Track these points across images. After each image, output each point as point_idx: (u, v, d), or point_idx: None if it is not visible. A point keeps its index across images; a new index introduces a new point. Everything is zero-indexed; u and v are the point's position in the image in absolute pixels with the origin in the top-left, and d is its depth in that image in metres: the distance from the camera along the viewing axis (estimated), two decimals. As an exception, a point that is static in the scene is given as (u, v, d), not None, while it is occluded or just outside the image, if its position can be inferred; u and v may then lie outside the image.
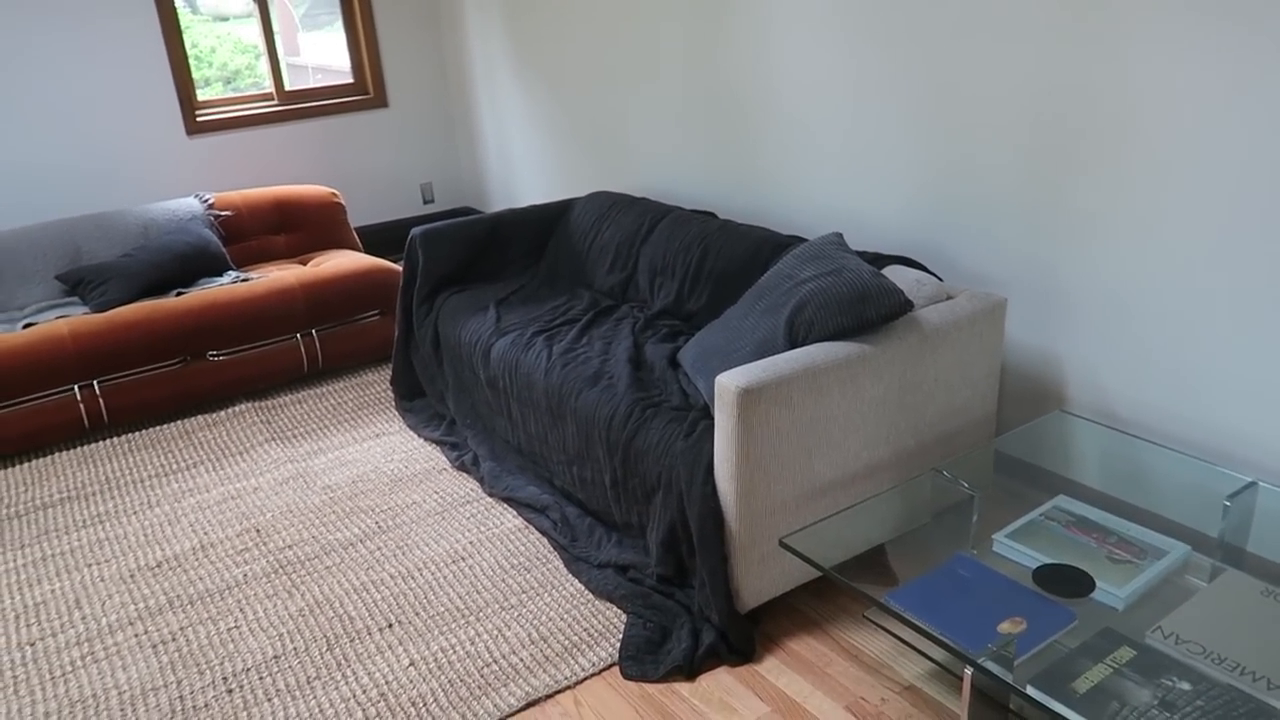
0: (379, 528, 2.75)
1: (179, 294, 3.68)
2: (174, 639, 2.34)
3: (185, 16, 4.60)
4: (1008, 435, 2.40)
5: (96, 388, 3.37)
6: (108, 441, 3.40)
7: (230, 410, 3.59)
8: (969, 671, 1.76)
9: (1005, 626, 1.77)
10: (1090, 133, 2.29)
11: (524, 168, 4.81)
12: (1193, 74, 2.06)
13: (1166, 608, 1.79)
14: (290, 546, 2.69)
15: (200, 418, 3.55)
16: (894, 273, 2.52)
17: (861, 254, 2.67)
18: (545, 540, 2.63)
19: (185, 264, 3.81)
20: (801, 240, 2.82)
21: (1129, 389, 2.37)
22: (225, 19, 6.00)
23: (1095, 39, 2.22)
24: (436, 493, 2.92)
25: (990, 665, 1.63)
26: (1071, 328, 2.46)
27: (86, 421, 3.39)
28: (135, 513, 2.92)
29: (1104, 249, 2.34)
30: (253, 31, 4.94)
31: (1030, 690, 1.60)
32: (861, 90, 2.84)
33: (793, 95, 3.09)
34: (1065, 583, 1.88)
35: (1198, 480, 2.16)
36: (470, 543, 2.65)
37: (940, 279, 2.55)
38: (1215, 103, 2.04)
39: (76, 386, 3.34)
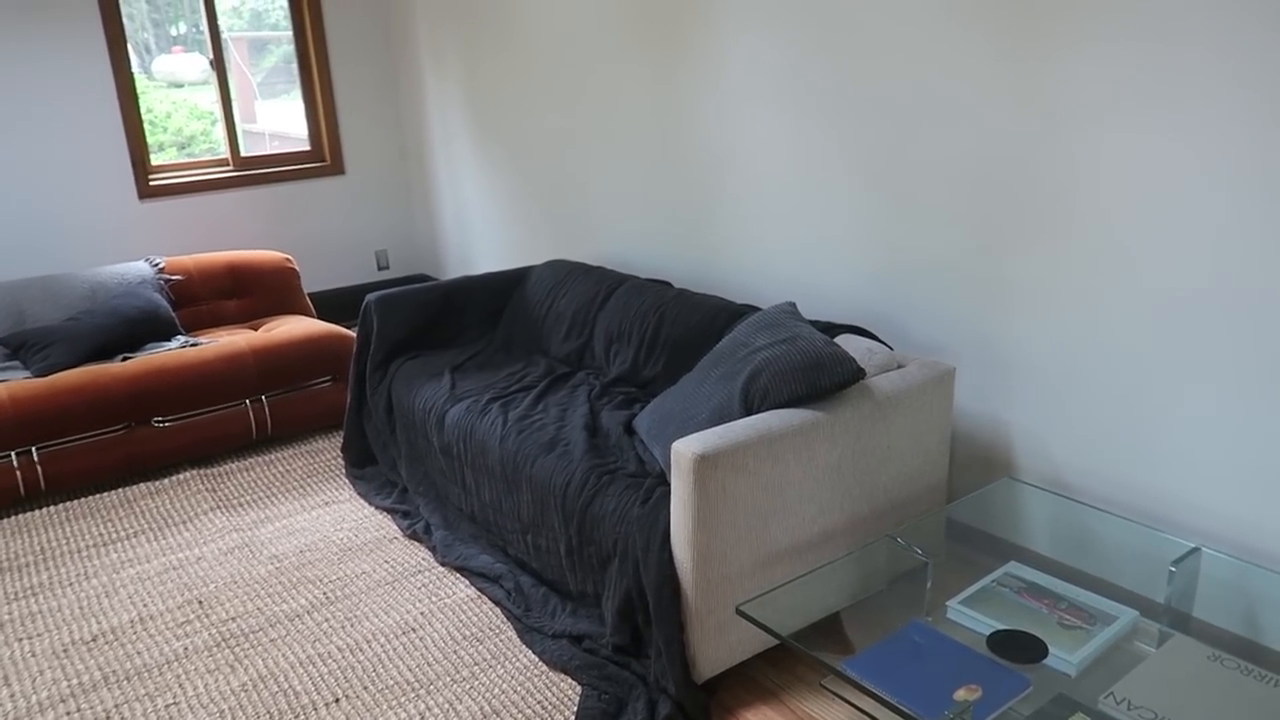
0: (327, 598, 2.69)
1: (125, 359, 3.61)
2: (108, 717, 2.24)
3: (141, 82, 4.60)
4: (959, 502, 2.43)
5: (35, 454, 3.28)
6: (44, 510, 3.29)
7: (174, 478, 3.51)
8: (926, 740, 1.76)
9: (961, 694, 1.77)
10: (1032, 207, 2.38)
11: (480, 235, 4.85)
12: (1130, 152, 2.16)
13: (1118, 673, 1.81)
14: (234, 619, 2.61)
15: (143, 485, 3.45)
16: (846, 341, 2.57)
17: (814, 323, 2.72)
18: (498, 610, 2.58)
19: (133, 328, 3.75)
20: (756, 309, 2.86)
21: (1076, 456, 2.42)
22: (181, 85, 6.02)
23: (1037, 118, 2.32)
24: (387, 562, 2.86)
25: (947, 733, 1.63)
26: (1019, 396, 2.52)
27: (23, 489, 3.28)
28: (71, 584, 2.82)
29: (1048, 320, 2.41)
30: (209, 98, 4.95)
31: (987, 758, 1.60)
32: (812, 163, 2.93)
33: (747, 168, 3.17)
34: (1019, 649, 1.89)
35: (1144, 546, 2.21)
36: (421, 613, 2.59)
37: (891, 348, 2.60)
38: (1152, 180, 2.13)
39: (14, 453, 3.24)
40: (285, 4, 4.96)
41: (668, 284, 3.30)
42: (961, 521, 2.43)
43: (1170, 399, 2.20)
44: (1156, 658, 1.86)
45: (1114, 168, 2.19)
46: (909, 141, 2.63)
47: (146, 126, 4.61)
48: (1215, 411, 2.12)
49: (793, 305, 2.58)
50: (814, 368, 2.25)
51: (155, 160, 4.72)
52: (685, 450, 2.04)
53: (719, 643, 2.17)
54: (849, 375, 2.27)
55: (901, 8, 2.55)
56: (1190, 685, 1.77)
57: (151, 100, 5.07)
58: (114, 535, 3.10)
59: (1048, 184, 2.33)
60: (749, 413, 2.27)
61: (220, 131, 4.87)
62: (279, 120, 5.97)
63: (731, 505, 2.09)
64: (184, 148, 5.47)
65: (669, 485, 2.30)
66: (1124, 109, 2.14)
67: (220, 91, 4.77)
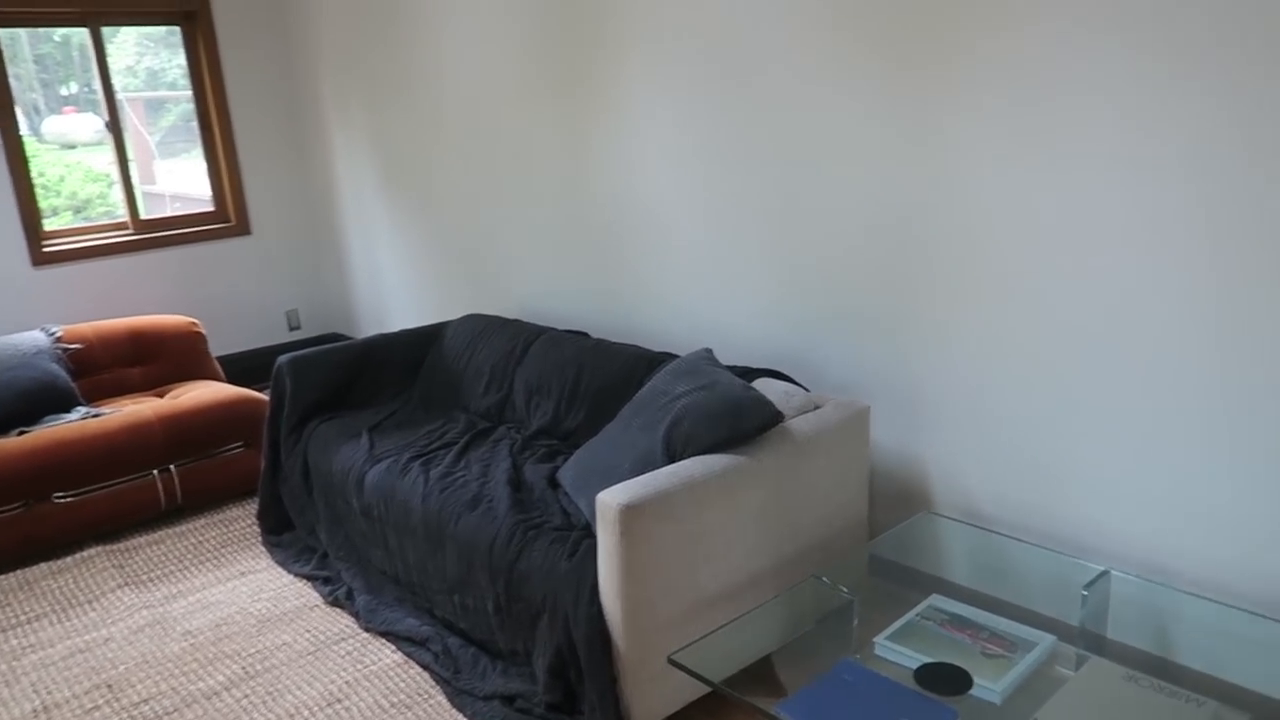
0: (246, 673, 2.59)
1: (21, 433, 3.45)
2: (11, 817, 2.12)
3: (31, 144, 4.46)
4: (880, 538, 2.48)
5: (-76, 539, 3.10)
6: (-65, 598, 3.11)
7: (78, 555, 3.35)
8: (862, 779, 1.78)
9: (893, 730, 1.79)
10: (931, 249, 2.47)
11: (394, 291, 4.80)
12: (1017, 190, 2.27)
13: (1040, 698, 1.87)
14: (146, 701, 2.49)
15: (44, 565, 3.29)
16: (764, 385, 2.61)
17: (731, 368, 2.76)
18: (427, 674, 2.53)
19: (29, 401, 3.59)
20: (673, 356, 2.90)
21: (990, 487, 2.51)
22: (73, 147, 5.84)
23: (929, 164, 2.42)
24: (308, 631, 2.78)
25: (882, 771, 1.65)
26: (932, 430, 2.60)
27: (-90, 577, 3.09)
28: (-33, 676, 2.66)
29: (955, 356, 2.50)
30: (105, 159, 4.82)
31: (922, 793, 1.62)
32: (720, 213, 2.99)
33: (657, 218, 3.22)
34: (945, 681, 1.94)
35: (1057, 572, 2.29)
36: (346, 683, 2.52)
37: (807, 389, 2.66)
38: (1047, 215, 2.24)
39: (-100, 539, 3.06)
40: (184, 62, 4.88)
41: (585, 334, 3.32)
42: (884, 557, 2.48)
43: (1074, 428, 2.30)
44: (1076, 681, 1.92)
45: (1003, 208, 2.30)
46: (811, 189, 2.72)
47: (38, 190, 4.46)
48: (1118, 438, 2.22)
49: (709, 351, 2.62)
50: (734, 413, 2.28)
51: (49, 225, 4.56)
52: (610, 501, 2.04)
53: (653, 693, 2.16)
54: (768, 419, 2.31)
55: (798, 64, 2.64)
56: (1110, 706, 1.83)
57: (43, 163, 4.91)
58: (13, 620, 2.94)
59: (944, 225, 2.43)
60: (672, 460, 2.29)
61: (118, 194, 4.74)
62: (180, 181, 5.83)
63: (659, 554, 2.10)
64: (80, 211, 5.30)
65: (595, 538, 2.30)
66: (1009, 152, 2.26)
67: (117, 152, 4.65)
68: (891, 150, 2.50)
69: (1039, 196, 2.23)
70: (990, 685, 1.90)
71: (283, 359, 3.36)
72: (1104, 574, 2.16)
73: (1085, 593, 2.10)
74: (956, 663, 1.98)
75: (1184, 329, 2.06)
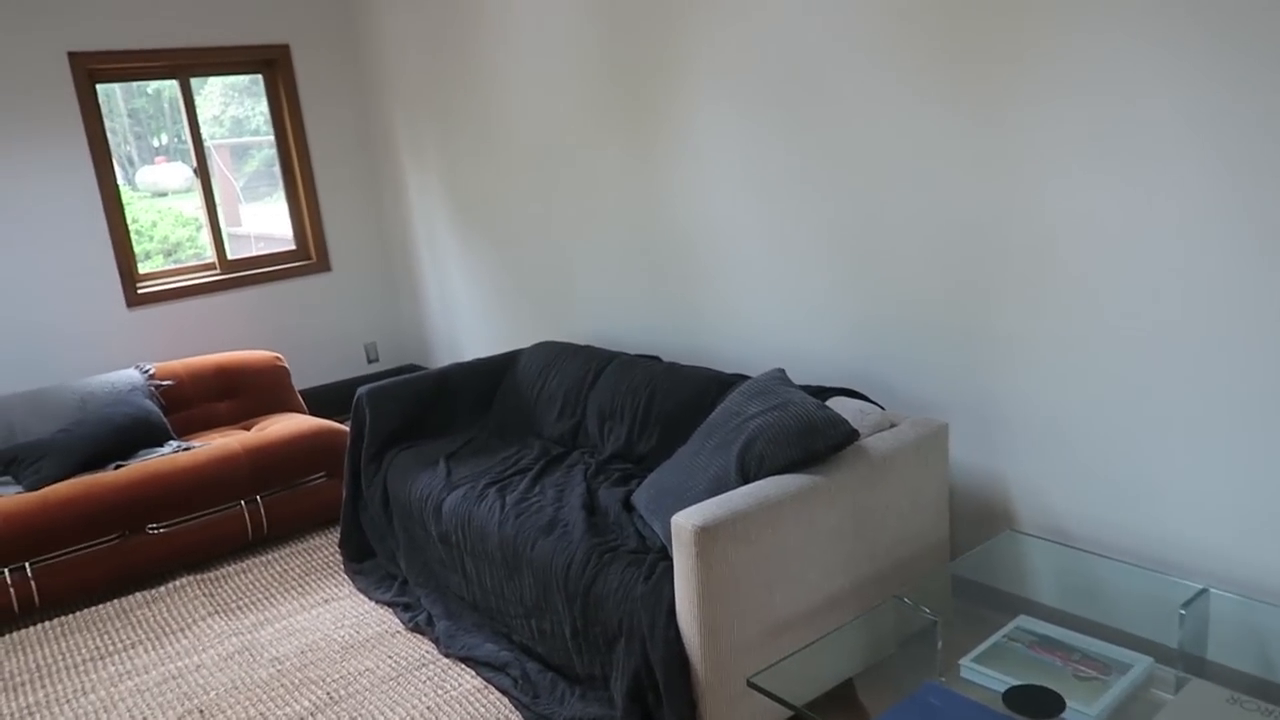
0: (331, 699, 2.63)
1: (118, 467, 3.60)
2: (110, 838, 2.18)
3: (125, 193, 4.68)
4: (962, 558, 2.42)
5: (29, 569, 3.24)
6: (39, 626, 3.23)
7: (170, 585, 3.46)
8: (950, 805, 1.72)
9: (981, 754, 1.74)
10: (1005, 260, 2.42)
11: (468, 322, 4.89)
12: (1096, 202, 2.21)
13: (1138, 722, 1.79)
14: (236, 726, 2.56)
15: (138, 595, 3.40)
16: (837, 404, 2.58)
17: (804, 387, 2.74)
18: (506, 699, 2.54)
19: (124, 436, 3.74)
20: (745, 378, 2.88)
21: (1075, 505, 2.43)
22: (165, 194, 6.11)
23: (1001, 175, 2.38)
24: (390, 657, 2.81)
25: (971, 796, 1.60)
26: (1012, 448, 2.53)
27: (16, 606, 3.23)
28: (68, 701, 2.76)
29: (1033, 370, 2.43)
30: (193, 205, 5.03)
31: (1014, 819, 1.57)
32: (789, 232, 2.98)
33: (727, 241, 3.22)
34: (1036, 704, 1.87)
35: (1151, 590, 2.20)
36: (428, 708, 2.54)
37: (882, 407, 2.62)
38: (1116, 226, 2.18)
39: (7, 570, 3.20)
40: (266, 110, 5.07)
41: (657, 358, 3.32)
42: (966, 577, 2.41)
43: (1164, 439, 2.21)
44: (1176, 704, 1.84)
45: (1079, 216, 2.24)
46: (880, 205, 2.69)
47: (133, 236, 4.67)
48: (1212, 449, 2.14)
49: (781, 371, 2.60)
50: (808, 432, 2.26)
51: (142, 269, 4.76)
52: (685, 523, 2.03)
53: (733, 717, 2.14)
54: (843, 437, 2.28)
55: (864, 79, 2.63)
56: (1211, 730, 1.74)
57: (136, 210, 5.14)
58: (111, 648, 3.05)
59: (1017, 237, 2.38)
60: (746, 481, 2.27)
61: (206, 236, 4.93)
62: (263, 222, 6.05)
63: (735, 576, 2.08)
64: (170, 254, 5.54)
65: (671, 560, 2.29)
66: (1082, 160, 2.20)
67: (204, 198, 4.84)
68: (962, 162, 2.46)
69: (1115, 203, 2.17)
70: (1084, 709, 1.83)
71: (362, 390, 3.44)
72: (1203, 592, 2.07)
73: (1183, 612, 2.02)
74: (1047, 685, 1.91)
75: (1273, 328, 1.97)
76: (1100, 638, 2.06)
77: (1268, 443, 2.03)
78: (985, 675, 1.97)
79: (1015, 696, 1.90)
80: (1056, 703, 1.86)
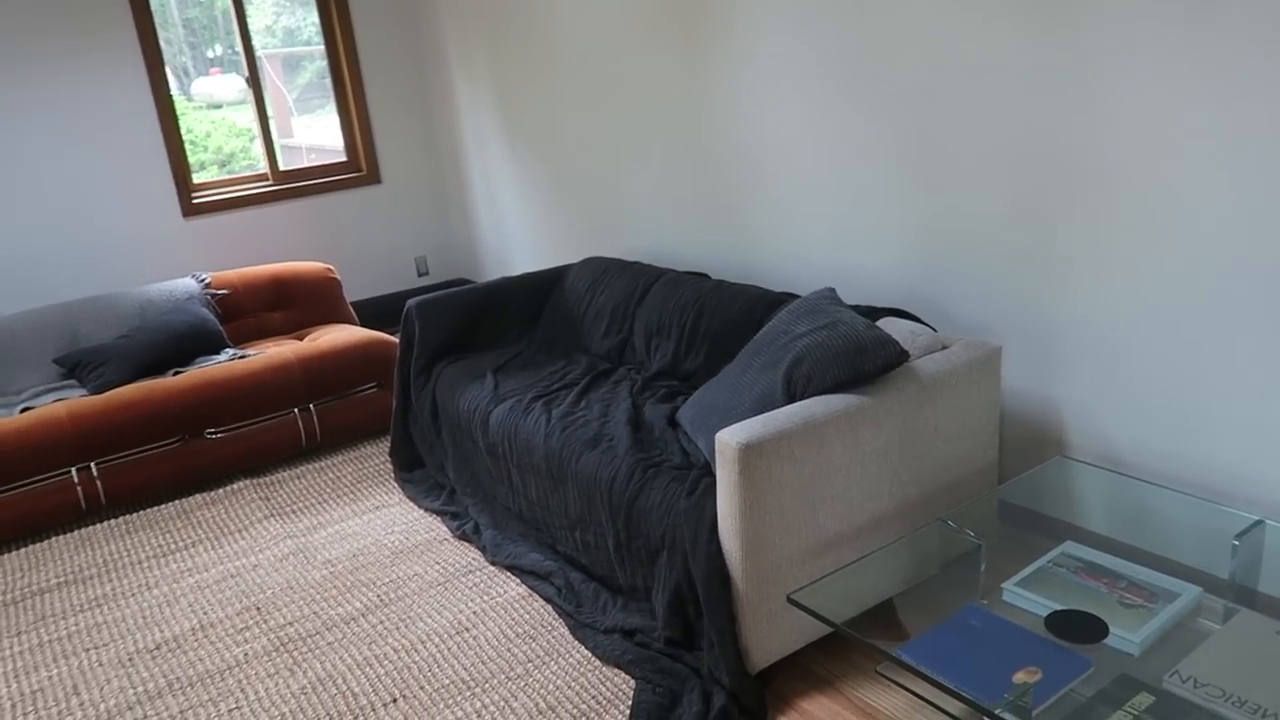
0: (381, 601, 2.72)
1: (176, 373, 3.68)
2: (174, 723, 2.29)
3: (181, 104, 4.69)
4: (1010, 483, 2.39)
5: (94, 469, 3.36)
6: (105, 524, 3.37)
7: (228, 488, 3.57)
8: (986, 724, 1.73)
9: (1021, 676, 1.74)
10: (1070, 179, 2.33)
11: (517, 237, 4.87)
12: (1168, 117, 2.11)
13: (1182, 651, 1.77)
14: (291, 624, 2.65)
15: (198, 496, 3.52)
16: (888, 324, 2.54)
17: (855, 308, 2.69)
18: (549, 607, 2.59)
19: (182, 343, 3.82)
20: (795, 296, 2.84)
21: (1129, 431, 2.37)
22: (219, 106, 6.13)
23: (1070, 87, 2.27)
24: (438, 563, 2.89)
25: (1008, 716, 1.61)
26: (1068, 373, 2.47)
27: (84, 504, 3.36)
28: (133, 595, 2.88)
29: (1093, 293, 2.36)
30: (247, 116, 5.04)
31: (1050, 740, 1.57)
32: (846, 147, 2.90)
33: (779, 155, 3.14)
34: (1078, 629, 1.86)
35: (1204, 521, 2.15)
36: (474, 613, 2.61)
37: (934, 329, 2.56)
38: (1193, 144, 2.08)
39: (74, 469, 3.32)
40: (317, 20, 5.02)
41: (705, 276, 3.29)
42: (1014, 503, 2.39)
43: (1225, 367, 2.14)
44: (1222, 634, 1.81)
45: (1150, 134, 2.14)
46: (941, 121, 2.59)
47: (187, 146, 4.70)
48: (1273, 378, 2.06)
49: (832, 291, 2.55)
50: (856, 352, 2.22)
51: (197, 179, 4.80)
52: (730, 440, 2.03)
53: (772, 632, 2.16)
54: (892, 358, 2.24)
55: (931, -16, 2.51)
56: (1258, 661, 1.72)
57: (191, 121, 5.18)
58: (173, 546, 3.17)
59: (1085, 155, 2.28)
60: (792, 400, 2.25)
61: (259, 148, 4.95)
62: (315, 134, 6.06)
63: (778, 494, 2.08)
64: (224, 165, 5.57)
65: (714, 476, 2.29)
66: (1154, 77, 2.09)
67: (257, 109, 4.84)
68: (1026, 76, 2.35)
69: (1189, 120, 2.06)
70: (1128, 635, 1.81)
71: (411, 303, 3.46)
72: (1258, 523, 2.02)
73: (1236, 543, 1.97)
74: (1092, 611, 1.90)
75: (1359, 260, 1.88)
76: (1149, 566, 2.03)
77: (1339, 373, 1.96)
78: (1028, 599, 1.96)
79: (1057, 621, 1.89)
80: (1099, 628, 1.85)
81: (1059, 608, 1.92)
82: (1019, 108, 2.40)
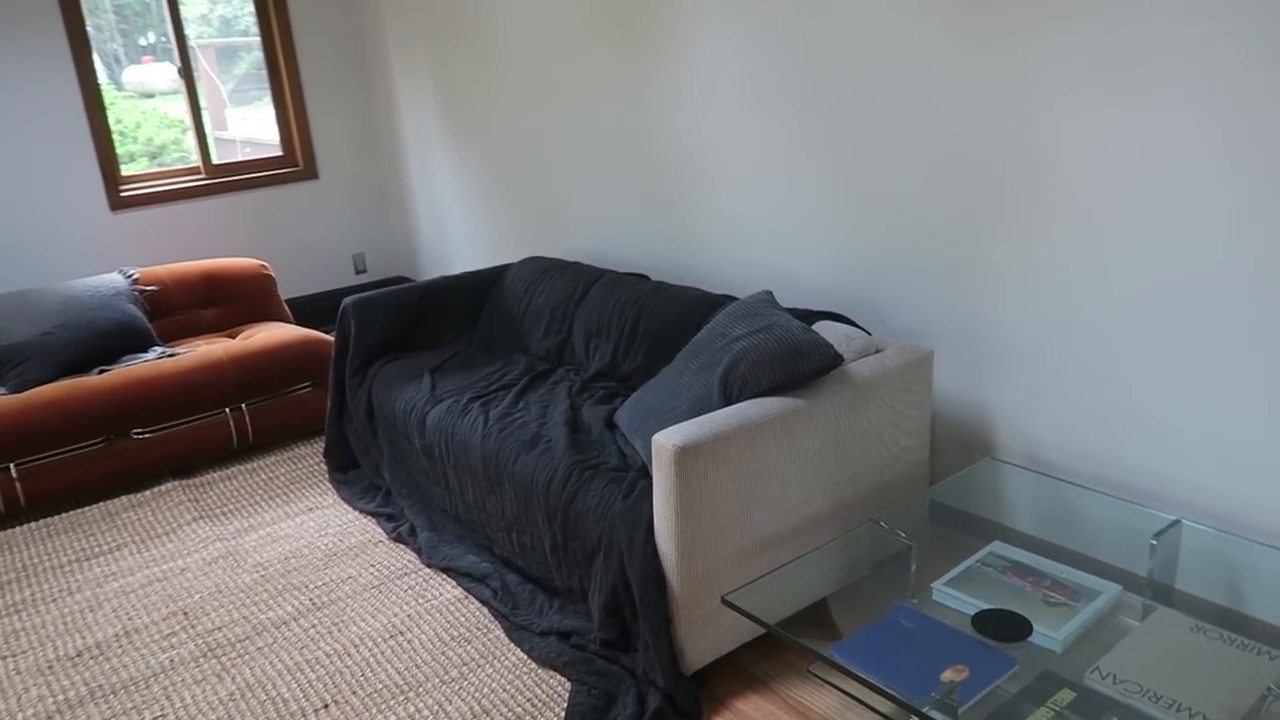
0: (313, 604, 2.67)
1: (101, 371, 3.58)
2: (95, 732, 2.23)
3: (109, 93, 4.56)
4: (941, 484, 2.44)
5: (13, 471, 3.24)
6: (25, 526, 3.26)
7: (156, 489, 3.48)
8: (914, 722, 1.76)
9: (948, 675, 1.77)
10: (1004, 187, 2.38)
11: (457, 235, 4.83)
12: (1098, 131, 2.17)
13: (1102, 648, 1.82)
14: (220, 628, 2.59)
15: (124, 498, 3.42)
16: (824, 328, 2.57)
17: (791, 311, 2.72)
18: (486, 609, 2.58)
19: (108, 341, 3.72)
20: (733, 299, 2.86)
21: (1056, 435, 2.44)
22: (150, 95, 5.96)
23: (1004, 98, 2.32)
24: (373, 566, 2.85)
25: (935, 714, 1.64)
26: (998, 376, 2.53)
27: (2, 506, 3.25)
28: (54, 600, 2.80)
29: (1023, 300, 2.42)
30: (179, 107, 4.91)
31: (975, 737, 1.61)
32: (783, 152, 2.93)
33: (718, 159, 3.16)
34: (1004, 628, 1.90)
35: (1125, 521, 2.22)
36: (408, 616, 2.58)
37: (869, 333, 2.60)
38: (1121, 155, 2.14)
39: (-9, 471, 3.22)
40: (253, 10, 4.92)
41: (645, 277, 3.29)
42: (944, 503, 2.44)
43: (1149, 375, 2.21)
44: (1140, 631, 1.87)
45: (1083, 144, 2.20)
46: (877, 127, 2.63)
47: (116, 137, 4.57)
48: (1192, 385, 2.14)
49: (769, 294, 2.58)
50: (792, 355, 2.25)
51: (126, 171, 4.67)
52: (666, 442, 2.03)
53: (707, 633, 2.17)
54: (827, 362, 2.27)
55: (868, -7, 2.55)
56: (1175, 657, 1.78)
57: (120, 111, 5.02)
58: (96, 549, 3.08)
59: (1018, 163, 2.33)
60: (728, 403, 2.27)
61: (191, 140, 4.83)
62: (251, 127, 5.92)
63: (714, 496, 2.09)
64: (155, 157, 5.43)
65: (651, 478, 2.30)
66: (1089, 85, 2.15)
67: (190, 100, 4.73)
68: (964, 85, 2.40)
69: (1117, 133, 2.12)
70: (1051, 633, 1.86)
71: (347, 301, 3.41)
72: (1175, 523, 2.09)
73: (1154, 542, 2.04)
74: (1017, 610, 1.94)
75: (1267, 273, 1.95)
76: (1072, 565, 2.09)
77: (1251, 381, 2.03)
78: (956, 598, 2.00)
79: (984, 619, 1.93)
80: (1024, 627, 1.89)
81: (986, 607, 1.96)
82: (953, 115, 2.44)
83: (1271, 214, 1.93)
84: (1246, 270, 1.99)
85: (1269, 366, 2.00)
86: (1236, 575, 2.07)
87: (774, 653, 2.33)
